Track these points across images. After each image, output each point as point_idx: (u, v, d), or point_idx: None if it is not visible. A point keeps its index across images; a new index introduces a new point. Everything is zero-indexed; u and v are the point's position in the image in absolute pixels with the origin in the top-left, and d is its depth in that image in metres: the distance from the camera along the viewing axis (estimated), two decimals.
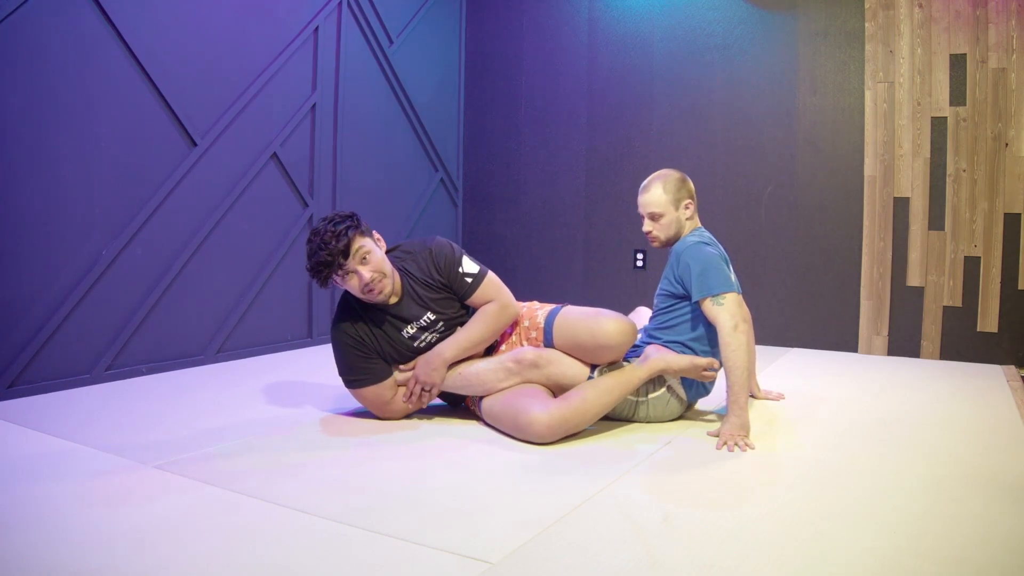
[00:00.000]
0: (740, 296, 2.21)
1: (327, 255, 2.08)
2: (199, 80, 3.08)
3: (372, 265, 2.14)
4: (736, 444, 2.05)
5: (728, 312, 2.14)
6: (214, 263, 3.20)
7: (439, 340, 2.30)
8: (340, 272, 2.12)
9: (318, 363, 3.24)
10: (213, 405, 2.52)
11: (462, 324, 2.33)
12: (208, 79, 3.12)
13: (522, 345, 2.35)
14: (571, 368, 2.23)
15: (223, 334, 3.26)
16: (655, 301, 2.40)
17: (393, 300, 2.25)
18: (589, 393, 2.13)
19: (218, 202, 3.20)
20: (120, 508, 1.61)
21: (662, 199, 2.32)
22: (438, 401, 2.46)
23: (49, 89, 2.60)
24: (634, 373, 2.20)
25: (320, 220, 2.17)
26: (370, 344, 2.24)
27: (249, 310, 3.38)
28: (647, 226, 2.36)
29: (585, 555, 1.40)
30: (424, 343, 2.30)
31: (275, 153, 3.44)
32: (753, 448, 2.04)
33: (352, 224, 2.14)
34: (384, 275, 2.17)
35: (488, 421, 2.25)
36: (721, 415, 2.36)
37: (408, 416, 2.35)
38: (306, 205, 3.61)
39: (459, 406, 2.45)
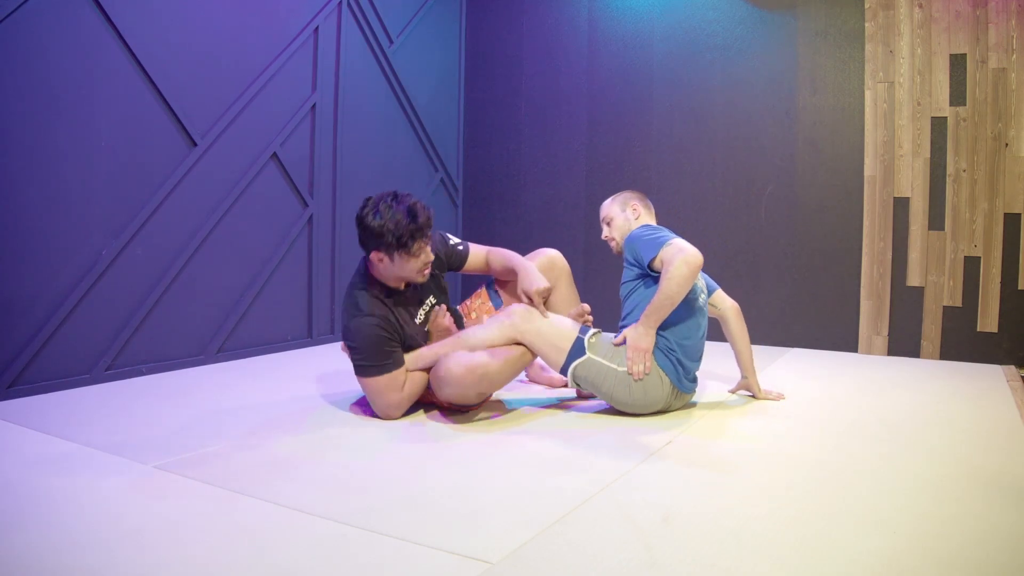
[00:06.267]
0: (686, 242, 2.28)
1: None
2: (199, 80, 3.09)
3: (433, 244, 2.34)
4: (636, 367, 2.27)
5: (676, 247, 2.24)
6: (214, 263, 3.20)
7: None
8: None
9: (318, 363, 3.24)
10: (213, 405, 2.52)
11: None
12: (208, 79, 3.12)
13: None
14: (559, 321, 2.36)
15: (223, 334, 3.26)
16: (621, 297, 2.50)
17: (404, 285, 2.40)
18: (494, 357, 2.28)
19: (218, 202, 3.20)
20: (120, 508, 1.61)
21: (610, 205, 2.60)
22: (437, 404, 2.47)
23: (49, 89, 2.60)
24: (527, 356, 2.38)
25: (383, 196, 2.23)
26: (397, 328, 2.31)
27: (249, 310, 3.38)
28: (604, 233, 2.61)
29: (585, 555, 1.40)
30: (425, 327, 2.44)
31: (275, 153, 3.44)
32: (649, 372, 2.27)
33: None
34: None
35: (432, 387, 2.34)
36: (728, 404, 2.37)
37: (406, 414, 2.36)
38: (306, 205, 3.61)
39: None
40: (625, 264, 2.46)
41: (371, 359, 2.26)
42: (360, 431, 2.23)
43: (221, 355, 3.25)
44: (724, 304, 2.59)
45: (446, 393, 2.26)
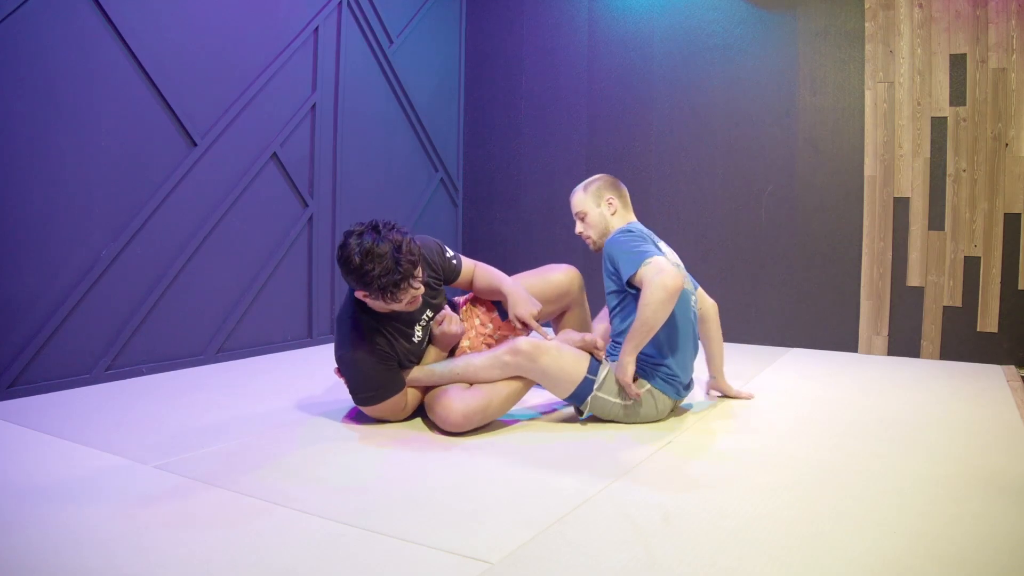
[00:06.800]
0: (666, 262, 2.17)
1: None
2: (199, 80, 3.08)
3: (421, 278, 2.13)
4: (628, 393, 2.23)
5: (654, 268, 2.12)
6: (214, 263, 3.20)
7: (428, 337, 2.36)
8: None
9: (318, 363, 3.24)
10: (213, 405, 2.52)
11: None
12: (208, 79, 3.12)
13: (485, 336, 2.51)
14: (565, 359, 2.23)
15: (223, 334, 3.26)
16: (608, 308, 2.40)
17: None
18: (494, 396, 2.22)
19: (218, 202, 3.20)
20: (120, 508, 1.61)
21: (582, 198, 2.41)
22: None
23: (49, 89, 2.60)
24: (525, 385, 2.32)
25: (364, 231, 2.05)
26: (392, 353, 2.24)
27: (249, 310, 3.38)
28: (578, 228, 2.45)
29: (585, 555, 1.40)
30: (424, 343, 2.34)
31: (275, 153, 3.44)
32: (638, 397, 2.23)
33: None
34: None
35: (426, 410, 2.32)
36: (726, 405, 2.37)
37: (408, 417, 2.35)
38: (306, 205, 3.61)
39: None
40: (604, 271, 2.33)
41: (371, 391, 2.23)
42: (360, 431, 2.23)
43: (221, 355, 3.25)
44: (705, 303, 2.53)
45: (441, 428, 2.22)
